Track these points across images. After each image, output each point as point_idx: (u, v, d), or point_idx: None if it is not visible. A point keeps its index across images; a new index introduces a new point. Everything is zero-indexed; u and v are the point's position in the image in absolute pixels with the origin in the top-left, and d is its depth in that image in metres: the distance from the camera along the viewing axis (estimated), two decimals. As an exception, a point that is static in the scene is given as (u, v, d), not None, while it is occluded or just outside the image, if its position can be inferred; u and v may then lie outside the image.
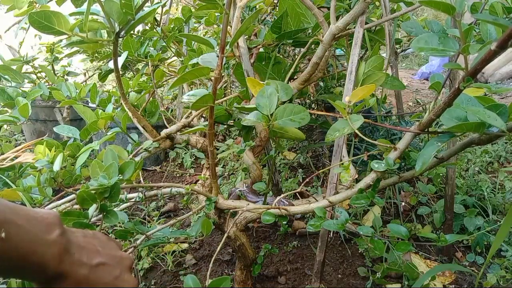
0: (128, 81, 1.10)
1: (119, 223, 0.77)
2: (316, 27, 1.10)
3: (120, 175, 0.70)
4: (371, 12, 1.38)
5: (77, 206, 0.80)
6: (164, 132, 0.97)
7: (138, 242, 0.79)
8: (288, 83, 1.03)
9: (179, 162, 2.29)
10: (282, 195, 0.93)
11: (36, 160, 0.75)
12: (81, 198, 0.63)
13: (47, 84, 1.29)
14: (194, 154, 2.27)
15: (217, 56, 0.70)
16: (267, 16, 1.27)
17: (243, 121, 0.88)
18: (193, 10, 1.39)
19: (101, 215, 0.67)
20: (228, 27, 0.80)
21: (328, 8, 1.00)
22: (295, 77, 1.16)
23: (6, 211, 0.39)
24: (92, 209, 0.66)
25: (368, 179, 0.85)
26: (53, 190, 0.77)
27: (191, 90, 1.06)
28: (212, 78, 0.71)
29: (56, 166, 0.69)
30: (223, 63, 0.70)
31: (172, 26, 1.35)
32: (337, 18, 0.97)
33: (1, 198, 0.41)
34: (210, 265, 0.78)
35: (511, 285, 1.20)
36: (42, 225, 0.42)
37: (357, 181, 0.89)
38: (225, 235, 0.93)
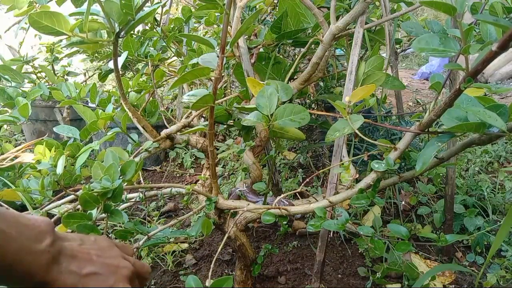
0: (128, 81, 1.10)
1: (119, 223, 0.77)
2: (316, 27, 1.10)
3: (121, 176, 0.70)
4: (371, 12, 1.38)
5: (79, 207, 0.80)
6: (164, 132, 0.97)
7: (141, 243, 0.78)
8: (288, 83, 1.03)
9: (179, 162, 2.29)
10: (282, 195, 0.93)
11: (36, 160, 0.75)
12: (84, 200, 0.63)
13: (47, 84, 1.29)
14: (194, 154, 2.27)
15: (217, 56, 0.70)
16: (267, 16, 1.27)
17: (243, 121, 0.88)
18: (193, 10, 1.39)
19: (102, 215, 0.67)
20: (228, 27, 0.80)
21: (328, 8, 1.00)
22: (295, 77, 1.16)
23: None
24: (95, 210, 0.66)
25: (368, 179, 0.85)
26: (53, 190, 0.77)
27: (191, 90, 1.06)
28: (212, 78, 0.71)
29: (59, 169, 0.69)
30: (223, 63, 0.70)
31: (172, 26, 1.35)
32: (337, 18, 0.97)
33: None
34: (212, 265, 0.77)
35: (511, 285, 1.20)
36: (32, 233, 0.42)
37: (357, 181, 0.89)
38: (226, 235, 0.93)
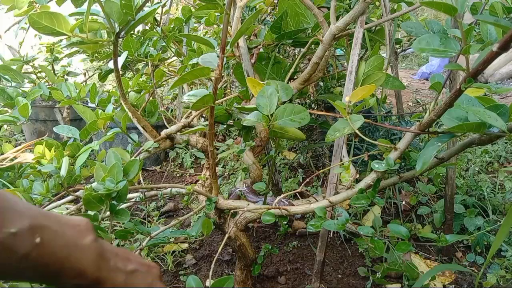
0: (128, 81, 1.10)
1: (118, 223, 0.77)
2: (316, 27, 1.10)
3: (124, 176, 0.70)
4: (371, 12, 1.38)
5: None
6: (164, 132, 0.97)
7: (144, 243, 0.79)
8: (288, 83, 1.03)
9: (179, 162, 2.29)
10: (282, 195, 0.93)
11: (37, 161, 0.75)
12: (87, 201, 0.63)
13: (47, 84, 1.29)
14: (194, 154, 2.27)
15: (218, 56, 0.70)
16: (267, 16, 1.27)
17: (243, 121, 0.88)
18: (193, 10, 1.39)
19: (103, 215, 0.67)
20: (228, 27, 0.80)
21: (328, 8, 1.00)
22: (295, 77, 1.16)
23: (40, 216, 0.38)
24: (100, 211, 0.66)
25: (369, 179, 0.85)
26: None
27: (191, 90, 1.06)
28: (212, 78, 0.71)
29: (63, 171, 0.69)
30: (223, 63, 0.70)
31: (172, 26, 1.35)
32: (337, 18, 0.97)
33: (33, 205, 0.40)
34: (212, 265, 0.78)
35: (511, 285, 1.20)
36: (75, 231, 0.41)
37: (357, 181, 0.89)
38: (226, 235, 0.93)
